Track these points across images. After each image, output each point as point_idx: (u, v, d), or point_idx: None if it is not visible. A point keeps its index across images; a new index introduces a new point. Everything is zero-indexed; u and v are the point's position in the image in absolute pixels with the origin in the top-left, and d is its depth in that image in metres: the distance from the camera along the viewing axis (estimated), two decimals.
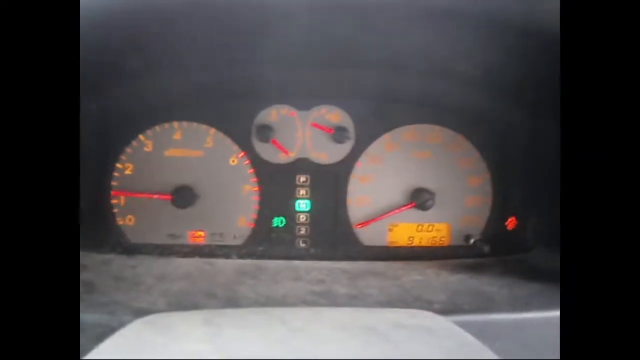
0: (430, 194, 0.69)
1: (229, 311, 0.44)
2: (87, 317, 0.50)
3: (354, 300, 0.55)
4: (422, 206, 0.69)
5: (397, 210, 0.70)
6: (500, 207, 0.71)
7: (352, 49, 0.56)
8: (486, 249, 0.69)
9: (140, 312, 0.44)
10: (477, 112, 0.68)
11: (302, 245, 0.71)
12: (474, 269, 0.65)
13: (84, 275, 0.60)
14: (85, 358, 0.31)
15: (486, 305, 0.54)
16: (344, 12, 0.42)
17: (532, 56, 0.52)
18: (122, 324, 0.41)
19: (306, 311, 0.46)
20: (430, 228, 0.72)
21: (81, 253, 0.66)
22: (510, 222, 0.71)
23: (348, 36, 0.51)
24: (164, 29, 0.48)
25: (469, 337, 0.39)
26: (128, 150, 0.69)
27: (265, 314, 0.44)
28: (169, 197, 0.67)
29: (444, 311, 0.50)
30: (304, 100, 0.69)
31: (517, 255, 0.67)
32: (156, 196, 0.68)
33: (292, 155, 0.70)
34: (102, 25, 0.44)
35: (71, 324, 0.33)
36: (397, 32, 0.48)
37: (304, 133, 0.69)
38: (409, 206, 0.69)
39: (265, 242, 0.70)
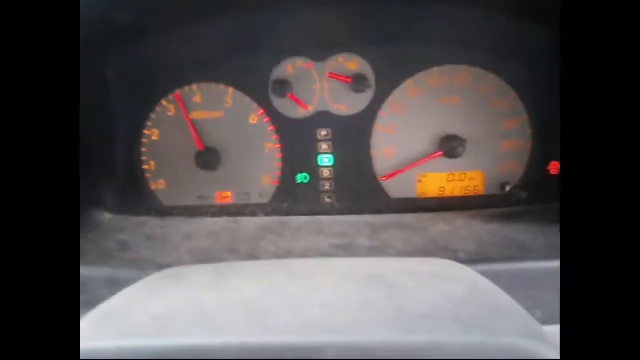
0: (460, 140, 0.65)
1: (241, 263, 0.44)
2: (120, 272, 0.54)
3: (375, 252, 0.54)
4: (451, 154, 0.65)
5: (423, 160, 0.66)
6: (541, 150, 0.65)
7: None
8: (523, 195, 0.64)
9: (165, 267, 0.45)
10: (508, 44, 0.61)
11: (327, 200, 0.70)
12: (509, 217, 0.61)
13: (120, 236, 0.64)
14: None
15: (519, 254, 0.50)
16: None
17: None
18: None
19: (316, 261, 0.46)
20: (462, 177, 0.67)
21: (119, 216, 0.70)
22: (553, 167, 0.65)
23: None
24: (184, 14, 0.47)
25: (484, 282, 0.37)
26: (153, 116, 0.70)
27: (274, 264, 0.44)
28: (195, 158, 0.69)
29: (470, 261, 0.48)
30: (319, 50, 0.66)
31: (559, 203, 0.62)
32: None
33: (311, 109, 0.68)
34: None
35: (71, 313, 0.32)
36: None
37: (322, 85, 0.67)
38: (437, 155, 0.65)
39: (290, 198, 0.70)
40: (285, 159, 0.69)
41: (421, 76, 0.65)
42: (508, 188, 0.65)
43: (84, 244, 0.60)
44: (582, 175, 0.30)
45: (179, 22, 0.63)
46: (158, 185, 0.73)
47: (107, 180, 0.71)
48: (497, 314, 0.30)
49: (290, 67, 0.67)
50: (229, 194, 0.71)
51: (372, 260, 0.44)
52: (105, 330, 0.31)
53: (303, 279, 0.37)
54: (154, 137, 0.71)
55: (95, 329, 0.32)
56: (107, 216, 0.70)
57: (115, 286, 0.53)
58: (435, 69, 0.65)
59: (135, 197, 0.72)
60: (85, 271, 0.55)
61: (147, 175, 0.72)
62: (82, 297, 0.53)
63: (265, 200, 0.70)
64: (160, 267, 0.47)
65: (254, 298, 0.33)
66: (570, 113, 0.31)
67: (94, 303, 0.52)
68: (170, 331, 0.29)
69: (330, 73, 0.66)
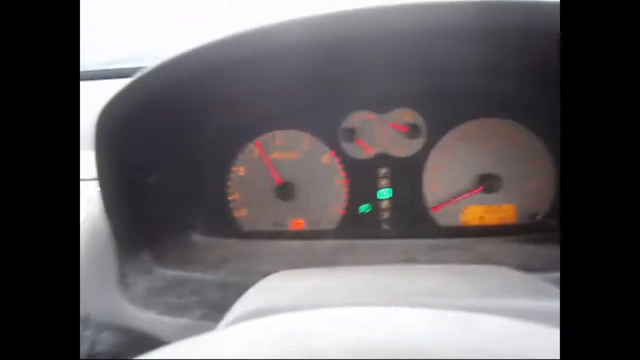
0: (497, 178, 0.79)
1: (341, 267, 0.57)
2: (229, 278, 0.66)
3: (443, 264, 0.66)
4: (490, 190, 0.79)
5: (466, 194, 0.80)
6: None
7: (420, 62, 0.67)
8: (552, 222, 0.77)
9: (267, 274, 0.52)
10: (533, 102, 0.76)
11: (385, 227, 0.83)
12: (541, 240, 0.73)
13: (218, 252, 0.77)
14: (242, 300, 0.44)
15: (552, 265, 0.62)
16: (412, 37, 0.54)
17: None
18: (256, 282, 0.54)
19: (400, 265, 0.59)
20: (498, 209, 0.81)
21: (210, 238, 0.84)
22: None
23: (417, 54, 0.63)
24: (269, 67, 0.62)
25: (533, 277, 0.50)
26: (240, 155, 0.86)
27: (366, 267, 0.57)
28: (274, 190, 0.83)
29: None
30: (381, 105, 0.82)
31: None
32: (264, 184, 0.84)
33: (374, 152, 0.83)
34: (219, 75, 0.59)
35: (71, 318, 0.31)
36: (459, 48, 0.60)
37: (382, 132, 0.82)
38: (478, 190, 0.79)
39: (355, 225, 0.83)
40: (350, 192, 0.83)
41: (463, 126, 0.80)
42: (538, 217, 0.79)
43: (190, 258, 0.73)
44: (581, 174, 0.30)
45: (267, 78, 0.77)
46: (241, 213, 0.87)
47: (198, 209, 0.85)
48: (542, 290, 0.43)
49: (356, 118, 0.83)
50: (301, 221, 0.85)
51: (447, 265, 0.57)
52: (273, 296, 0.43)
53: (401, 273, 0.50)
54: (240, 173, 0.86)
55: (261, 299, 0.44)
56: (200, 238, 0.83)
57: (225, 289, 0.65)
58: (474, 121, 0.80)
59: (221, 223, 0.86)
60: (198, 277, 0.67)
61: (232, 204, 0.87)
62: (197, 298, 0.65)
63: (332, 226, 0.84)
64: (264, 274, 0.54)
65: (370, 278, 0.45)
66: (568, 114, 0.31)
67: (208, 303, 0.65)
68: (323, 297, 0.42)
69: (392, 123, 0.82)
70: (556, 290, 0.44)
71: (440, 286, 0.43)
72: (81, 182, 0.64)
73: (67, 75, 0.35)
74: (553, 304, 0.38)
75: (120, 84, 0.56)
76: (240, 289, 0.49)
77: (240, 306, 0.41)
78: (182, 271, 0.67)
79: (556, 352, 0.22)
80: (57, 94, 0.34)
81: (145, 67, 0.55)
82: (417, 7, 0.49)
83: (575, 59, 0.31)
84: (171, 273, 0.67)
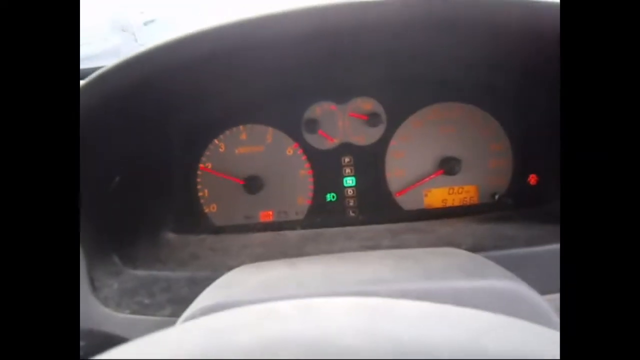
0: (457, 160, 0.81)
1: (301, 258, 0.59)
2: (197, 274, 0.68)
3: (397, 248, 0.69)
4: (450, 172, 0.81)
5: (428, 178, 0.82)
6: (522, 166, 0.82)
7: (379, 54, 0.69)
8: (509, 201, 0.80)
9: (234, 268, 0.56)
10: (491, 87, 0.79)
11: (352, 214, 0.85)
12: (499, 219, 0.76)
13: (189, 249, 0.78)
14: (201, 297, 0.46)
15: (506, 243, 0.65)
16: (369, 30, 0.55)
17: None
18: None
19: (357, 253, 0.61)
20: (460, 190, 0.84)
21: (182, 235, 0.85)
22: (532, 178, 0.82)
23: (377, 47, 0.64)
24: (232, 63, 0.62)
25: (480, 257, 0.52)
26: (207, 153, 0.87)
27: (326, 256, 0.59)
28: (242, 184, 0.84)
29: (470, 250, 0.62)
30: (341, 95, 0.83)
31: (538, 207, 0.78)
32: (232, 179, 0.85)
33: (336, 142, 0.84)
34: (184, 67, 0.59)
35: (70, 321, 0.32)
36: (415, 38, 0.61)
37: (344, 122, 0.84)
38: (439, 173, 0.82)
39: (322, 214, 0.85)
40: (316, 182, 0.85)
41: (422, 112, 0.82)
42: (497, 197, 0.82)
43: (161, 256, 0.75)
44: (581, 174, 0.30)
45: (230, 74, 0.77)
46: (210, 209, 0.88)
47: (168, 207, 0.86)
48: (485, 268, 0.46)
49: (318, 109, 0.84)
50: (270, 212, 0.87)
51: (399, 250, 0.59)
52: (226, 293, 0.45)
53: (354, 260, 0.52)
54: (207, 170, 0.87)
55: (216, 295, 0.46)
56: (171, 235, 0.85)
57: (195, 285, 0.67)
58: (433, 106, 0.82)
59: (192, 219, 0.87)
60: (168, 275, 0.69)
61: (202, 201, 0.88)
62: (168, 295, 0.67)
63: (300, 216, 0.86)
64: (230, 268, 0.57)
65: (323, 269, 0.48)
66: (569, 113, 0.31)
67: (178, 300, 0.67)
68: (273, 290, 0.44)
69: (351, 112, 0.84)
70: (497, 268, 0.47)
71: (387, 272, 0.45)
72: None
73: (66, 73, 0.34)
74: (487, 283, 0.41)
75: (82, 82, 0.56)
76: (208, 283, 0.51)
77: (199, 302, 0.43)
78: (152, 270, 0.69)
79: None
80: (56, 93, 0.34)
81: (106, 65, 0.55)
82: (370, 3, 0.50)
83: (575, 60, 0.31)
84: (142, 273, 0.68)
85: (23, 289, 0.30)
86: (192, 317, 0.40)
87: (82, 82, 0.54)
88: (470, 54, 0.69)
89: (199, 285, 0.66)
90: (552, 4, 0.49)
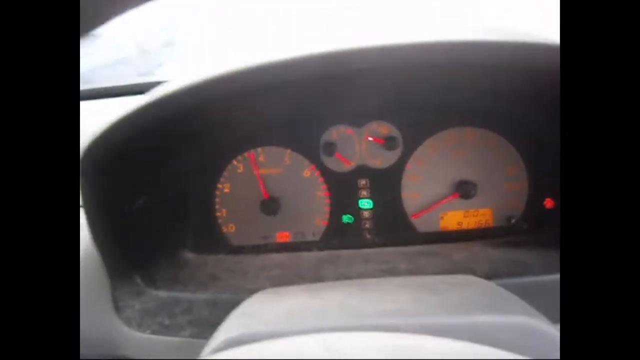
0: (472, 184, 0.82)
1: (317, 284, 0.60)
2: (219, 297, 0.70)
3: (413, 273, 0.70)
4: (466, 195, 0.82)
5: (444, 201, 0.83)
6: (537, 190, 0.82)
7: (395, 86, 0.70)
8: (524, 226, 0.80)
9: (254, 291, 0.56)
10: (505, 113, 0.80)
11: (368, 236, 0.86)
12: (514, 244, 0.77)
13: (208, 270, 0.80)
14: (223, 327, 0.47)
15: (522, 270, 0.66)
16: (387, 71, 0.57)
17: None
18: (244, 299, 0.58)
19: (375, 279, 0.62)
20: (475, 213, 0.84)
21: (201, 255, 0.87)
22: (548, 202, 0.82)
23: (394, 81, 0.65)
24: (255, 97, 0.65)
25: (498, 287, 0.53)
26: (225, 173, 0.88)
27: (344, 282, 0.61)
28: (259, 205, 0.86)
29: (486, 277, 0.62)
30: (358, 119, 0.85)
31: (554, 231, 0.78)
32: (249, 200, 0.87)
33: (353, 164, 0.86)
34: (216, 103, 0.62)
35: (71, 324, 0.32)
36: (433, 77, 0.62)
37: (360, 145, 0.85)
38: (454, 196, 0.83)
39: (338, 236, 0.86)
40: (333, 204, 0.86)
41: (438, 136, 0.83)
42: (513, 221, 0.82)
43: (181, 277, 0.77)
44: (581, 176, 0.30)
45: (249, 103, 0.80)
46: (229, 229, 0.90)
47: (187, 227, 0.88)
48: (505, 302, 0.46)
49: (335, 133, 0.86)
50: (287, 233, 0.88)
51: (414, 277, 0.60)
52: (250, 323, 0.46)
53: (373, 289, 0.53)
54: (226, 190, 0.89)
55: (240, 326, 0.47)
56: (190, 255, 0.86)
57: (216, 307, 0.69)
58: (448, 130, 0.83)
59: (210, 239, 0.89)
60: (188, 296, 0.70)
61: (220, 221, 0.90)
62: (188, 317, 0.69)
63: (317, 237, 0.87)
64: (250, 291, 0.58)
65: (343, 298, 0.49)
66: (568, 119, 0.32)
67: (198, 321, 0.68)
68: (297, 321, 0.45)
69: (368, 136, 0.85)
70: (516, 301, 0.47)
71: (407, 303, 0.46)
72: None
73: (67, 88, 0.34)
74: (506, 319, 0.42)
75: (108, 117, 0.58)
76: (228, 306, 0.53)
77: (222, 333, 0.44)
78: (173, 291, 0.71)
79: None
80: (56, 109, 0.33)
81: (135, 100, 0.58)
82: (388, 48, 0.51)
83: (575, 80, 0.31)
84: (162, 294, 0.70)
85: (24, 294, 0.30)
86: (218, 349, 0.41)
87: (108, 122, 0.57)
88: (484, 85, 0.71)
89: (219, 308, 0.68)
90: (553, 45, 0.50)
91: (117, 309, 0.68)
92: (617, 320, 0.26)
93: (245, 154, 0.88)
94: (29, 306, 0.30)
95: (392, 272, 0.70)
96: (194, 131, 0.78)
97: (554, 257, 0.69)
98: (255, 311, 0.50)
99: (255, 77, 0.54)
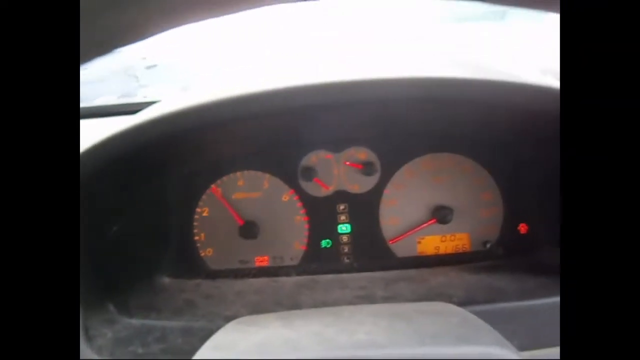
0: (449, 209, 0.83)
1: (292, 312, 0.60)
2: (194, 324, 0.69)
3: (390, 300, 0.70)
4: (443, 220, 0.83)
5: (421, 226, 0.84)
6: (511, 215, 0.84)
7: (373, 113, 0.72)
8: (500, 251, 0.81)
9: (229, 319, 0.55)
10: (481, 141, 0.82)
11: (346, 260, 0.86)
12: (490, 269, 0.78)
13: (184, 295, 0.79)
14: (196, 357, 0.46)
15: (497, 296, 0.67)
16: (369, 102, 0.58)
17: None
18: (219, 327, 0.57)
19: (351, 307, 0.62)
20: (452, 238, 0.85)
21: (177, 280, 0.86)
22: (522, 227, 0.84)
23: (372, 111, 0.67)
24: (234, 125, 0.65)
25: (473, 317, 0.53)
26: (204, 197, 0.88)
27: (320, 310, 0.60)
28: (238, 229, 0.86)
29: (462, 303, 0.63)
30: (336, 144, 0.86)
31: (528, 255, 0.80)
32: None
33: (332, 189, 0.86)
34: (196, 130, 0.62)
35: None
36: (410, 108, 0.64)
37: (339, 170, 0.86)
38: (431, 222, 0.84)
39: (316, 260, 0.86)
40: (311, 229, 0.86)
41: (415, 162, 0.85)
42: (488, 245, 0.83)
43: (156, 303, 0.75)
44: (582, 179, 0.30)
45: (228, 130, 0.80)
46: (206, 253, 0.89)
47: (165, 252, 0.87)
48: (480, 335, 0.47)
49: (314, 158, 0.87)
50: (265, 258, 0.88)
51: (391, 305, 0.60)
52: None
53: (348, 318, 0.53)
54: (204, 214, 0.89)
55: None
56: (166, 280, 0.85)
57: (190, 335, 0.67)
58: (426, 156, 0.85)
59: (188, 264, 0.88)
60: (163, 324, 0.69)
61: (198, 245, 0.89)
62: (162, 345, 0.67)
63: (295, 262, 0.87)
64: (227, 318, 0.57)
65: (318, 329, 0.49)
66: (567, 137, 0.32)
67: (172, 350, 0.67)
68: (270, 353, 0.45)
69: (346, 161, 0.86)
70: (488, 331, 0.48)
71: (381, 334, 0.46)
72: None
73: (66, 102, 0.33)
74: (478, 350, 0.42)
75: (86, 140, 0.58)
76: (203, 334, 0.51)
77: None
78: (147, 319, 0.69)
79: None
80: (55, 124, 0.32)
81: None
82: (365, 83, 0.53)
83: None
84: (136, 322, 0.69)
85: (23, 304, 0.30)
86: None
87: (86, 146, 0.56)
88: (461, 116, 0.73)
89: (193, 336, 0.66)
90: (534, 86, 0.53)
91: (89, 338, 0.66)
92: (617, 345, 0.26)
93: (225, 178, 0.88)
94: (26, 311, 0.30)
95: (369, 298, 0.70)
96: (173, 156, 0.78)
97: (529, 283, 0.70)
98: (228, 341, 0.49)
99: (234, 107, 0.55)
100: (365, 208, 0.86)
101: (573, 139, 0.33)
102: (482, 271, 0.77)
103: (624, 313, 0.27)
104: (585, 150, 0.32)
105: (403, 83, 0.51)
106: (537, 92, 0.50)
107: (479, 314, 0.53)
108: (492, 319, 0.50)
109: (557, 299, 0.63)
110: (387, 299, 0.70)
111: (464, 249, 0.85)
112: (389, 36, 1.08)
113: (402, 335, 0.46)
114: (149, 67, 1.11)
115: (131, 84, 1.17)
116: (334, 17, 1.13)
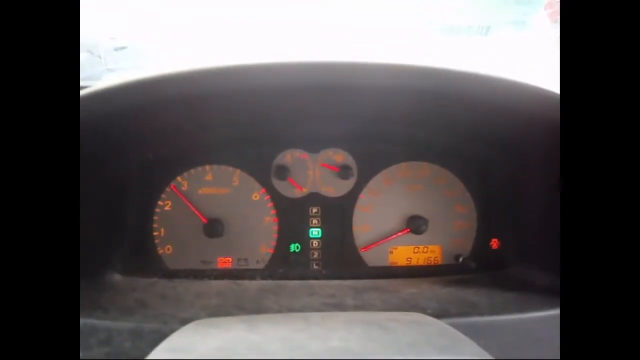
0: (424, 220, 0.81)
1: (258, 316, 0.55)
2: (145, 325, 0.62)
3: (360, 309, 0.66)
4: (417, 231, 0.81)
5: (395, 235, 0.82)
6: (484, 230, 0.83)
7: (356, 109, 0.69)
8: (473, 265, 0.80)
9: (186, 321, 0.50)
10: (458, 150, 0.81)
11: (315, 267, 0.82)
12: (462, 283, 0.76)
13: (135, 295, 0.72)
14: (149, 357, 0.41)
15: (470, 310, 0.65)
16: (350, 90, 0.55)
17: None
18: (173, 330, 0.52)
19: (321, 314, 0.58)
20: (425, 249, 0.83)
21: (129, 278, 0.78)
22: (494, 243, 0.83)
23: (353, 102, 0.64)
24: (201, 105, 0.61)
25: (449, 328, 0.51)
26: (167, 190, 0.82)
27: (288, 315, 0.56)
28: (202, 227, 0.80)
29: (435, 315, 0.60)
30: (313, 144, 0.82)
31: (499, 270, 0.79)
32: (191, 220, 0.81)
33: (305, 191, 0.82)
34: (158, 106, 0.57)
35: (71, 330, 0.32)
36: (391, 101, 0.62)
37: (314, 172, 0.83)
38: (405, 231, 0.81)
39: (284, 265, 0.81)
40: (281, 231, 0.82)
41: (393, 168, 0.83)
42: (461, 259, 0.82)
43: (104, 302, 0.68)
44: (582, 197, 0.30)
45: (195, 112, 0.75)
46: (165, 250, 0.82)
47: (118, 246, 0.80)
48: (457, 343, 0.44)
49: (289, 156, 0.83)
50: (229, 259, 0.82)
51: (364, 313, 0.57)
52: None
53: (319, 323, 0.49)
54: (166, 208, 0.82)
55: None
56: (117, 277, 0.78)
57: (140, 338, 0.61)
58: (403, 164, 0.83)
59: (143, 261, 0.81)
60: (109, 324, 0.62)
61: (156, 241, 0.82)
62: (106, 349, 0.60)
63: (261, 265, 0.82)
64: (182, 321, 0.53)
65: (286, 334, 0.44)
66: (568, 162, 0.32)
67: (118, 354, 0.60)
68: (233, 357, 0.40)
69: (322, 163, 0.82)
70: (466, 343, 0.45)
71: (356, 342, 0.42)
72: None
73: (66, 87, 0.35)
74: None
75: None
76: (155, 337, 0.47)
77: None
78: (91, 318, 0.62)
79: None
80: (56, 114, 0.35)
81: None
82: (345, 65, 0.50)
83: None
84: (80, 321, 0.61)
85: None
86: None
87: None
88: (439, 120, 0.71)
89: (144, 339, 0.60)
90: (517, 83, 0.51)
91: None
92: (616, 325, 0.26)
93: (192, 171, 0.82)
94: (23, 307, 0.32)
95: (339, 306, 0.66)
96: (135, 137, 0.72)
97: (499, 297, 0.68)
98: (185, 344, 0.44)
99: (202, 80, 0.50)
100: (338, 213, 0.82)
101: (573, 146, 0.32)
102: (455, 284, 0.75)
103: (620, 328, 0.28)
104: (585, 157, 0.32)
105: (389, 69, 0.48)
106: (536, 92, 0.49)
107: (452, 327, 0.51)
108: (465, 333, 0.48)
109: (529, 314, 0.62)
110: (357, 308, 0.66)
111: (435, 261, 0.83)
112: (374, 47, 1.07)
113: (379, 343, 0.43)
114: (117, 49, 1.04)
115: (97, 66, 1.09)
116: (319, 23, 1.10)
